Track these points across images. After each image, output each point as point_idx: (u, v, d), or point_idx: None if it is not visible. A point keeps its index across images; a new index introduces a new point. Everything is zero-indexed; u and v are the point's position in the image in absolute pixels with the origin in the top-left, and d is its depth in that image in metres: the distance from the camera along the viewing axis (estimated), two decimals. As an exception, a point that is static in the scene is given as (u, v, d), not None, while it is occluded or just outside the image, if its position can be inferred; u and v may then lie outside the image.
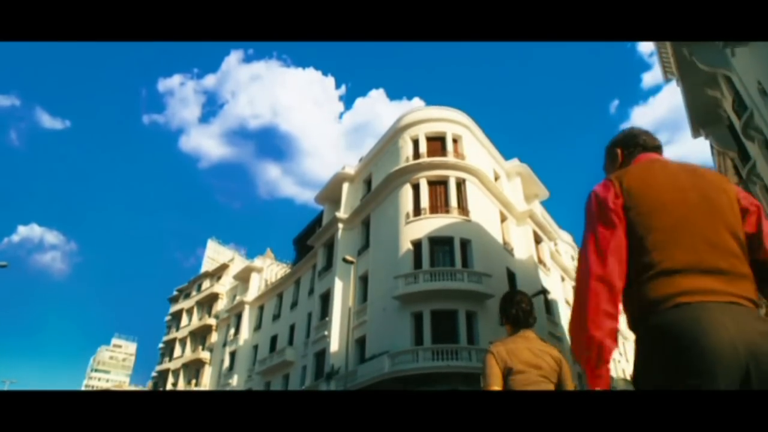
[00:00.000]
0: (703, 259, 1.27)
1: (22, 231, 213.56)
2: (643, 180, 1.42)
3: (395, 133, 26.09)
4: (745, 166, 17.58)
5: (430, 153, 24.20)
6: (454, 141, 24.90)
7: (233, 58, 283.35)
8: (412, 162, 23.73)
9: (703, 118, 19.92)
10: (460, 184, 23.07)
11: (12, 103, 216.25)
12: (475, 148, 25.81)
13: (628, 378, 42.68)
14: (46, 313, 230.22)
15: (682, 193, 1.38)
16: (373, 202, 25.37)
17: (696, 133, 21.04)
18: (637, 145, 1.64)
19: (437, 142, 24.79)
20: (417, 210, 22.30)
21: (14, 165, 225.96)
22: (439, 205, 22.41)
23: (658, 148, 1.63)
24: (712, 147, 22.37)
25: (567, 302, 32.35)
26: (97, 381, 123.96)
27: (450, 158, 23.58)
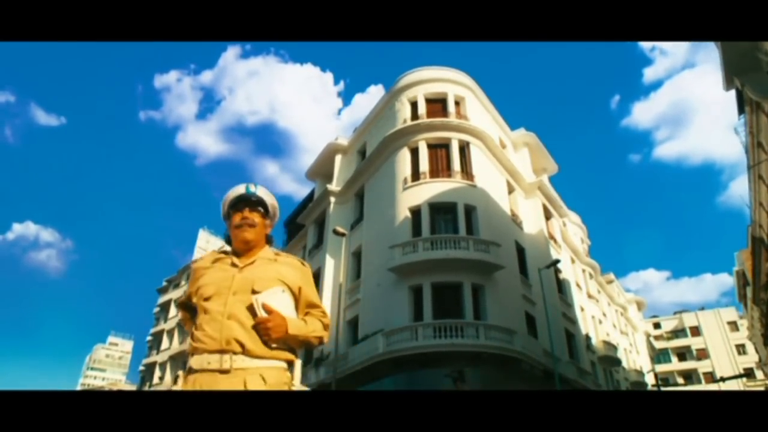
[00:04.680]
0: None
1: (17, 229, 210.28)
2: None
3: (392, 95, 23.65)
4: (791, 114, 15.21)
5: (430, 115, 21.75)
6: (456, 103, 22.50)
7: (230, 53, 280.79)
8: (410, 123, 21.34)
9: (738, 65, 17.55)
10: (464, 148, 20.69)
11: (6, 99, 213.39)
12: (479, 113, 23.41)
13: (638, 368, 40.81)
14: (41, 312, 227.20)
15: None
16: (367, 171, 22.99)
17: (729, 84, 18.69)
18: None
19: (438, 104, 22.37)
20: (416, 174, 19.90)
21: (9, 162, 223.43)
22: (441, 168, 20.00)
23: None
24: (741, 104, 20.01)
25: (578, 285, 30.05)
26: (92, 379, 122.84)
27: (452, 119, 21.19)
